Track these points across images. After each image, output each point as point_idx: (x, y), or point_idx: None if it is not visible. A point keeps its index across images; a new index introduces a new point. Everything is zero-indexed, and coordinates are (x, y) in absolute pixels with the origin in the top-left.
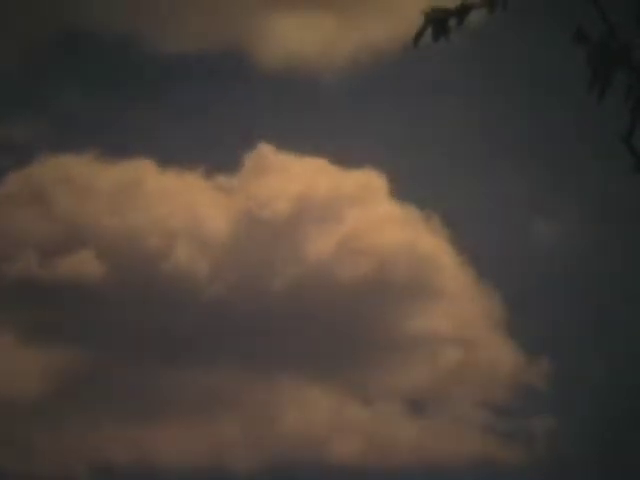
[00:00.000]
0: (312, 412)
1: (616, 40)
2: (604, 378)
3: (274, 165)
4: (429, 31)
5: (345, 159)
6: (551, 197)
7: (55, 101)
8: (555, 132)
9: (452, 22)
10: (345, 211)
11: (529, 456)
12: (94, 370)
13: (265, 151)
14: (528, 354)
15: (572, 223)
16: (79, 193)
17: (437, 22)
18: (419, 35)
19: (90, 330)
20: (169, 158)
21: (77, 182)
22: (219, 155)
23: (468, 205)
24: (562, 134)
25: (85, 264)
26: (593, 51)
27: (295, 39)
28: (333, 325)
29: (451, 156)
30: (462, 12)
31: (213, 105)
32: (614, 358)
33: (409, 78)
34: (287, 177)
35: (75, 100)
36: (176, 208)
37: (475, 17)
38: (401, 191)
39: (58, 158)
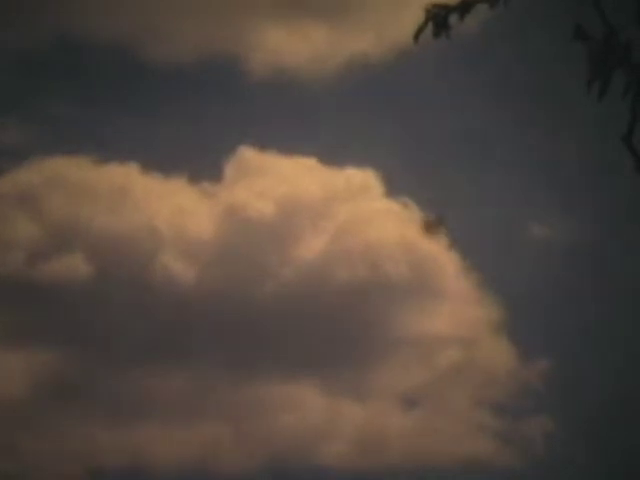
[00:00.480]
0: (307, 413)
1: (617, 39)
2: (602, 379)
3: (264, 168)
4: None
5: (338, 162)
6: (550, 198)
7: (45, 105)
8: (554, 133)
9: (453, 19)
10: (338, 211)
11: (526, 457)
12: (83, 372)
13: (256, 155)
14: (526, 355)
15: (571, 223)
16: (67, 196)
17: (438, 18)
18: (420, 31)
19: (79, 332)
20: (158, 162)
21: (66, 185)
22: (209, 159)
23: (466, 205)
24: (561, 135)
25: (73, 266)
26: (594, 49)
27: (286, 47)
28: (327, 326)
29: (449, 157)
30: (463, 8)
31: (205, 110)
32: (612, 359)
33: (404, 81)
34: (279, 179)
35: (65, 104)
36: (165, 211)
37: (470, 18)
38: (396, 191)
39: (47, 161)
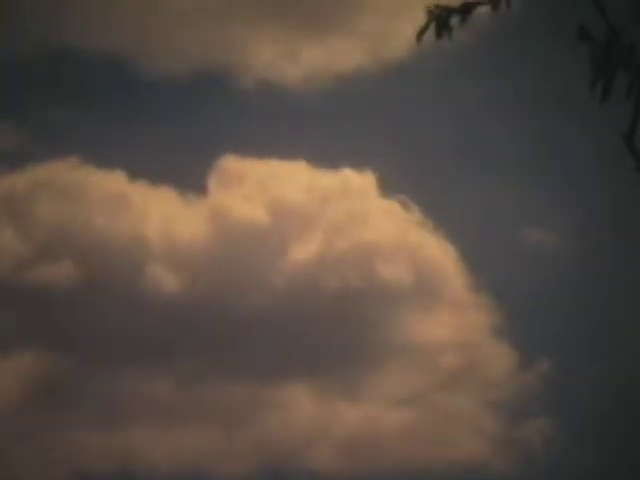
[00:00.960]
0: (302, 417)
1: (620, 40)
2: (602, 382)
3: (254, 174)
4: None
5: (335, 165)
6: (549, 200)
7: (38, 112)
8: (554, 135)
9: (454, 20)
10: (335, 214)
11: (526, 460)
12: (73, 377)
13: (246, 162)
14: (526, 358)
15: (570, 226)
16: (56, 202)
17: (440, 20)
18: (422, 32)
19: (69, 337)
20: (148, 171)
21: (55, 191)
22: (199, 167)
23: (465, 208)
24: (561, 137)
25: (62, 271)
26: (597, 49)
27: (280, 60)
28: (324, 330)
29: (448, 160)
30: (465, 10)
31: (197, 120)
32: (612, 362)
33: (401, 86)
34: (272, 184)
35: (56, 112)
36: (155, 218)
37: (471, 21)
38: (395, 192)
39: (38, 167)
